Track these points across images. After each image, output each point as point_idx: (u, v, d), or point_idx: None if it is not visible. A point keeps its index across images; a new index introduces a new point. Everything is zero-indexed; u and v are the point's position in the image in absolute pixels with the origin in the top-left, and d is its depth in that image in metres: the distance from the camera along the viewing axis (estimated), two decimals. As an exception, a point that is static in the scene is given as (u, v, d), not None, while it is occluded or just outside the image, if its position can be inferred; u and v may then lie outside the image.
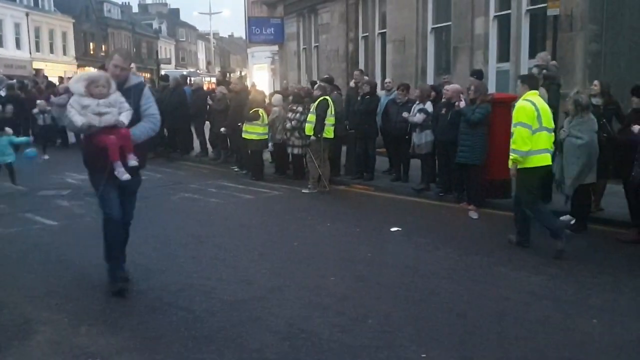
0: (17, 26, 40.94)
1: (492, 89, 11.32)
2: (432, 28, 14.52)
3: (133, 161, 4.98)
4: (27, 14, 41.71)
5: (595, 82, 8.04)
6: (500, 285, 5.45)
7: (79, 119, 4.82)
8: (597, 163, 7.14)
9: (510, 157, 6.47)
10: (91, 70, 39.42)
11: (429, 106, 9.58)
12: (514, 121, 6.53)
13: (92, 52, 50.40)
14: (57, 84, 18.02)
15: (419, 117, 9.49)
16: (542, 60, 8.80)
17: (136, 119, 5.03)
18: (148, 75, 46.41)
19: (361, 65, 17.52)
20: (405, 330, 4.45)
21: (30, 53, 41.93)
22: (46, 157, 13.95)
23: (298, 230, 7.63)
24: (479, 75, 10.06)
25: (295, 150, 10.99)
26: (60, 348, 4.13)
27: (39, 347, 4.17)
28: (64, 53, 46.21)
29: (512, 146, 6.45)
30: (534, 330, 4.45)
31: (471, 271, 5.89)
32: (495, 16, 12.49)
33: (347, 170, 11.40)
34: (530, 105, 6.39)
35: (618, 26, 10.15)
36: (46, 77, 19.97)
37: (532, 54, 10.82)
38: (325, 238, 7.10)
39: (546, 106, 6.61)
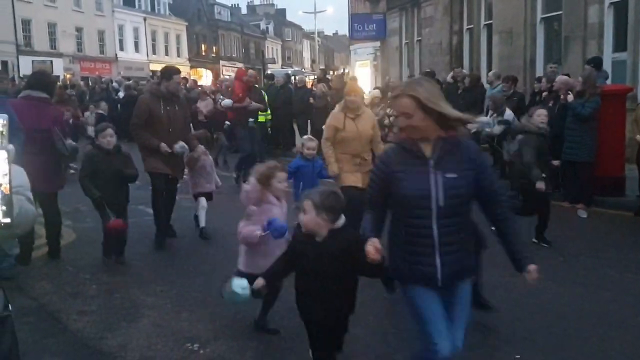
0: (135, 30, 43.82)
1: (607, 80, 10.63)
2: (542, 18, 13.87)
3: None
4: (144, 19, 44.53)
5: None
6: (605, 288, 5.15)
7: None
8: None
9: None
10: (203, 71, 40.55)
11: (508, 115, 9.15)
12: None
13: (203, 54, 52.75)
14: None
15: (498, 129, 9.07)
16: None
17: None
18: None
19: (466, 58, 17.11)
20: (500, 329, 4.32)
21: (148, 55, 44.67)
22: None
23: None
24: (596, 63, 9.44)
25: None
26: (163, 331, 4.40)
27: (145, 330, 4.46)
28: (178, 55, 48.80)
29: None
30: (639, 335, 4.16)
31: (574, 272, 5.60)
32: (611, 3, 11.73)
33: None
34: None
35: None
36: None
37: (651, 42, 10.09)
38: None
39: None
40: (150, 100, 6.55)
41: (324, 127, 6.05)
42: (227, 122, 12.63)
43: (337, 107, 6.20)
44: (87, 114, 14.71)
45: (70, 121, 11.55)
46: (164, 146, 6.36)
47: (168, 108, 6.52)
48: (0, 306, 2.06)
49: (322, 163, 6.23)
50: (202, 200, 7.19)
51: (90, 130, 14.06)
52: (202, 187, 7.21)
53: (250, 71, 11.42)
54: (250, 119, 10.66)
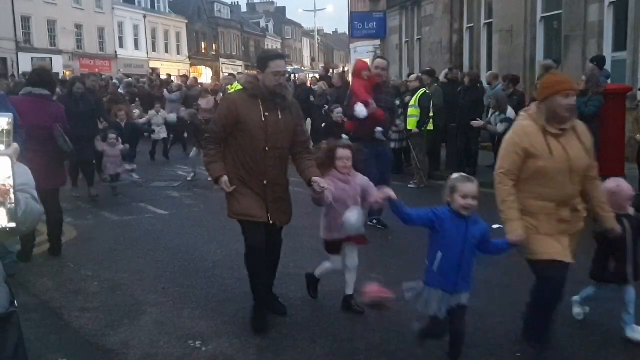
0: (135, 28, 43.78)
1: (608, 79, 10.65)
2: (542, 17, 13.90)
3: None
4: (144, 16, 44.46)
5: None
6: (607, 287, 5.13)
7: None
8: None
9: None
10: (202, 70, 40.55)
11: (511, 113, 9.03)
12: None
13: (203, 51, 52.70)
14: (172, 81, 19.15)
15: (501, 127, 8.98)
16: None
17: None
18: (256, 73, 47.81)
19: (466, 57, 17.14)
20: (501, 327, 4.33)
21: (147, 53, 44.63)
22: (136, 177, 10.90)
23: (394, 224, 7.59)
24: (600, 62, 9.45)
25: (392, 145, 10.84)
26: (164, 328, 4.41)
27: (147, 327, 4.46)
28: (178, 52, 48.79)
29: None
30: (642, 335, 4.16)
31: (576, 271, 5.58)
32: (611, 2, 11.75)
33: (448, 165, 11.19)
34: None
35: None
36: (158, 76, 21.30)
37: (652, 41, 10.11)
38: (423, 233, 7.03)
39: None
40: (242, 100, 4.25)
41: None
42: (344, 135, 7.49)
43: (526, 118, 3.71)
44: (151, 112, 13.65)
45: (124, 123, 11.20)
46: (225, 181, 4.21)
47: (267, 114, 4.19)
48: (6, 303, 2.06)
49: (486, 226, 3.57)
50: (350, 260, 4.65)
51: (158, 132, 13.41)
52: (337, 231, 4.54)
53: (378, 60, 7.74)
54: (378, 129, 7.19)
